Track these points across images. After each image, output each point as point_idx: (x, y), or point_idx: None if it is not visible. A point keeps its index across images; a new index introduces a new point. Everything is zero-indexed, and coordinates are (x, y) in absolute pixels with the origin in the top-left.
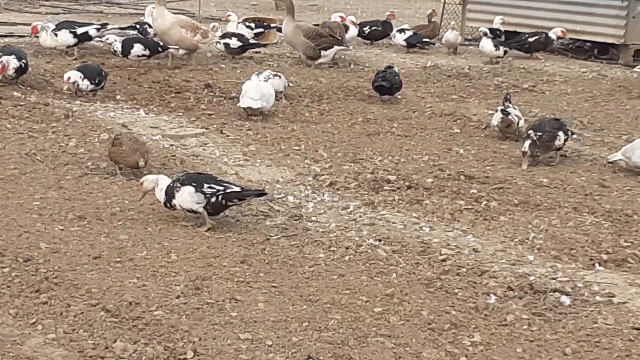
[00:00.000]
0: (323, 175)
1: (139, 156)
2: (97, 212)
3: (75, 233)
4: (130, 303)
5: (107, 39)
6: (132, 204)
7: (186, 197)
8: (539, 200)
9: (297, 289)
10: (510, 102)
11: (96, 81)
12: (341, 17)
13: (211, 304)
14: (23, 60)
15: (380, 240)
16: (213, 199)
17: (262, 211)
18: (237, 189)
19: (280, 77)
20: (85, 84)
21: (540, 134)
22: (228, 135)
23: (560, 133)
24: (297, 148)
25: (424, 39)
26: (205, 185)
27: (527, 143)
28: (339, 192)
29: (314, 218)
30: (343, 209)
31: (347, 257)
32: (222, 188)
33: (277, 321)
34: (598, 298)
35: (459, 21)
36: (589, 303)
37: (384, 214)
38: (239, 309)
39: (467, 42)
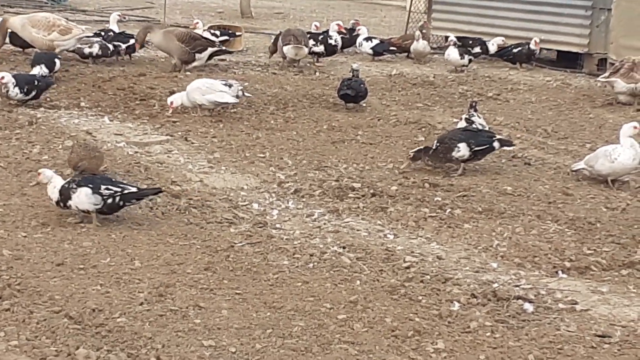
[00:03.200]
0: (288, 182)
1: (80, 168)
2: (60, 218)
3: (39, 240)
4: (94, 310)
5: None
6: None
7: (83, 198)
8: (502, 208)
9: (261, 296)
10: (476, 110)
11: (25, 90)
12: (338, 25)
13: (175, 311)
14: None
15: (344, 248)
16: (110, 200)
17: (226, 218)
18: (134, 189)
19: (231, 86)
20: (15, 92)
21: (438, 144)
22: (193, 143)
23: (462, 145)
24: (262, 155)
25: (391, 48)
26: (102, 187)
27: (416, 149)
28: (304, 199)
29: (278, 225)
30: (307, 216)
31: (311, 265)
32: (119, 189)
33: (241, 328)
34: (561, 305)
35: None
36: (551, 310)
37: (348, 222)
38: (202, 316)
39: (432, 51)
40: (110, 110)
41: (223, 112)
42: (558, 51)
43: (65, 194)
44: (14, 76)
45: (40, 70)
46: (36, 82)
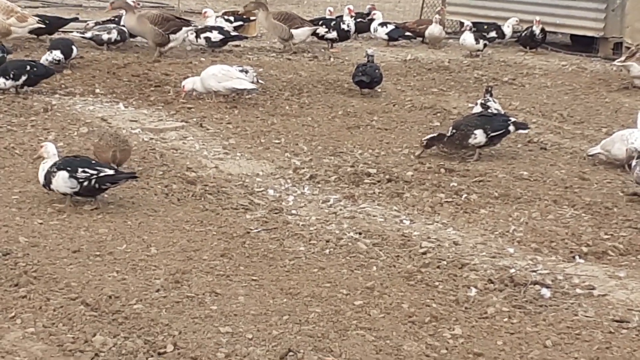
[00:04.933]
0: (303, 168)
1: (111, 157)
2: (76, 205)
3: (55, 227)
4: (110, 297)
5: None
6: (111, 197)
7: (60, 182)
8: (519, 193)
9: (278, 282)
10: (491, 95)
11: (12, 76)
12: (349, 9)
13: (191, 298)
14: None
15: (360, 234)
16: (86, 183)
17: (242, 204)
18: (111, 172)
19: (247, 72)
20: (1, 82)
21: (454, 130)
22: (208, 129)
23: (478, 132)
24: (277, 141)
25: (406, 33)
26: (79, 170)
27: (430, 136)
28: (319, 185)
29: (294, 211)
30: (323, 202)
31: (327, 251)
32: (95, 172)
33: (257, 314)
34: (578, 290)
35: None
36: (569, 295)
37: (364, 207)
38: (219, 302)
39: (447, 36)
40: (125, 97)
41: (238, 98)
42: (572, 35)
43: (47, 178)
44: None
45: (49, 56)
46: (28, 68)
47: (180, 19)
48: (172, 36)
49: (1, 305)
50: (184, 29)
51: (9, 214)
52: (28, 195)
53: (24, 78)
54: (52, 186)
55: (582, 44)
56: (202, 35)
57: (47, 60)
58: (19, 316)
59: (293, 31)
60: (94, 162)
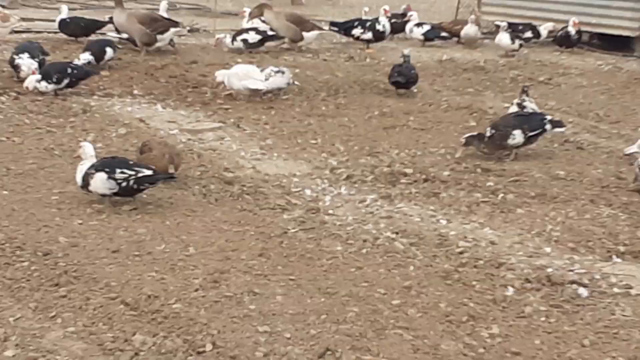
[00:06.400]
0: (340, 168)
1: (168, 160)
2: (115, 206)
3: (94, 227)
4: (149, 296)
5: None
6: (149, 197)
7: (98, 183)
8: (555, 192)
9: (315, 281)
10: (527, 95)
11: (54, 79)
12: (385, 9)
13: (229, 297)
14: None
15: (397, 233)
16: (124, 184)
17: (279, 205)
18: (149, 172)
19: (283, 73)
20: (43, 85)
21: (493, 131)
22: (245, 130)
23: (516, 132)
24: (313, 142)
25: (442, 33)
26: (118, 171)
27: (469, 134)
28: (356, 185)
29: (331, 211)
30: (360, 202)
31: (364, 250)
32: (133, 173)
33: (295, 314)
34: (615, 290)
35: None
36: (606, 295)
37: (401, 207)
38: (257, 302)
39: (482, 36)
40: (163, 98)
41: (275, 98)
42: (601, 35)
43: (85, 180)
44: (41, 69)
45: (85, 58)
46: (69, 70)
47: (168, 20)
48: (159, 36)
49: (42, 305)
50: (172, 29)
51: (49, 215)
52: (67, 196)
53: (66, 81)
54: (90, 187)
55: (613, 44)
56: (239, 38)
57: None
58: (59, 316)
59: (305, 34)
60: (131, 162)
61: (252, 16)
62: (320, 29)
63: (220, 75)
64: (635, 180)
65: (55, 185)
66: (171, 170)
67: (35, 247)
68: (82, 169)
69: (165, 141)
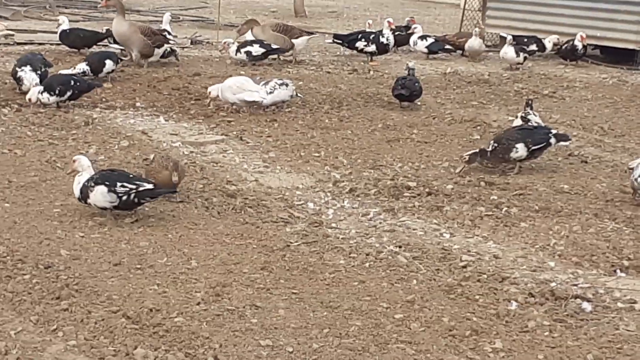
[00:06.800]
0: (343, 181)
1: (170, 172)
2: (117, 219)
3: (96, 240)
4: (151, 310)
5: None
6: (152, 211)
7: (99, 197)
8: (559, 206)
9: (318, 295)
10: (531, 108)
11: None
12: (389, 22)
13: (232, 311)
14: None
15: (400, 247)
16: (125, 197)
17: (282, 218)
18: (150, 186)
19: (287, 85)
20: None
21: (496, 144)
22: (248, 142)
23: (519, 145)
24: (316, 155)
25: (446, 46)
26: (118, 184)
27: (471, 152)
28: (359, 198)
29: (334, 224)
30: (363, 215)
31: (367, 264)
32: (134, 186)
33: (298, 328)
34: (620, 304)
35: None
36: (610, 309)
37: (404, 221)
38: (259, 315)
39: (486, 49)
40: (166, 110)
41: (278, 111)
42: (602, 47)
43: (84, 192)
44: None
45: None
46: (72, 83)
47: (163, 36)
48: (156, 50)
49: (43, 318)
50: (166, 45)
51: (51, 227)
52: (69, 209)
53: (69, 93)
54: (89, 200)
55: (614, 56)
56: (243, 50)
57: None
58: (60, 329)
59: (294, 41)
60: (132, 175)
61: (240, 33)
62: (309, 33)
63: (214, 89)
64: (634, 194)
65: (57, 198)
66: (175, 179)
67: (36, 260)
68: (79, 180)
69: (169, 156)
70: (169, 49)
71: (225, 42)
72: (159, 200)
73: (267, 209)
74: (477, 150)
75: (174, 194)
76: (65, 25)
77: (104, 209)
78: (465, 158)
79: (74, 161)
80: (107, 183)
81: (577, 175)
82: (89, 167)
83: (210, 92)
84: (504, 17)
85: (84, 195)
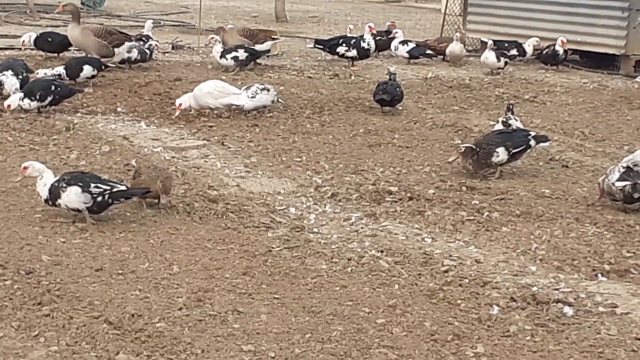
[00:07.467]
0: (325, 186)
1: (159, 184)
2: (98, 224)
3: (77, 245)
4: (133, 315)
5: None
6: (133, 216)
7: (73, 197)
8: (541, 211)
9: (300, 300)
10: (512, 113)
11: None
12: (370, 27)
13: (214, 316)
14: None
15: (382, 252)
16: (99, 198)
17: (263, 223)
18: (123, 187)
19: (268, 90)
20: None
21: (477, 149)
22: (229, 147)
23: (500, 149)
24: (298, 160)
25: (427, 51)
26: (92, 185)
27: (467, 145)
28: (341, 203)
29: (315, 229)
30: (345, 220)
31: (349, 269)
32: (108, 187)
33: (280, 333)
34: (601, 309)
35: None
36: (592, 314)
37: (386, 225)
38: (241, 320)
39: (467, 54)
40: (147, 115)
41: (259, 116)
42: (581, 52)
43: (54, 193)
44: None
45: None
46: (53, 88)
47: (122, 34)
48: (115, 50)
49: (24, 324)
50: (127, 44)
51: (32, 233)
52: (50, 214)
53: (49, 99)
54: (59, 201)
55: (595, 61)
56: (229, 56)
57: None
58: (42, 335)
59: (258, 46)
60: (103, 177)
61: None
62: (273, 38)
63: (185, 101)
64: (602, 196)
65: (38, 204)
66: (163, 198)
67: (18, 266)
68: (45, 182)
69: (155, 165)
70: (137, 57)
71: (212, 38)
72: (140, 206)
73: (248, 214)
74: (472, 145)
75: (147, 193)
76: (31, 37)
77: (76, 210)
78: (461, 149)
79: (25, 168)
80: (80, 184)
81: (558, 180)
82: (45, 169)
83: (180, 105)
84: (485, 22)
85: (53, 197)
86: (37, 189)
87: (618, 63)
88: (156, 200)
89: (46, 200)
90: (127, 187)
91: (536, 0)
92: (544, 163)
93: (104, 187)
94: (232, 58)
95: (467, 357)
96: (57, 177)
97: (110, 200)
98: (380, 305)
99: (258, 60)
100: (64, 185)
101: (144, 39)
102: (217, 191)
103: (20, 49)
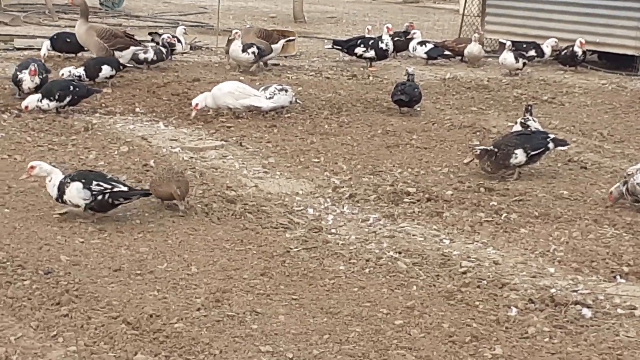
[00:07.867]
0: (342, 187)
1: (174, 186)
2: (117, 224)
3: (96, 245)
4: (151, 315)
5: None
6: (152, 216)
7: (74, 192)
8: (559, 212)
9: (318, 301)
10: (531, 114)
11: (57, 97)
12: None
13: (232, 317)
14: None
15: (400, 253)
16: (100, 197)
17: (281, 223)
18: (125, 188)
19: (286, 91)
20: (45, 103)
21: (496, 150)
22: (247, 148)
23: (518, 151)
24: (316, 160)
25: (445, 52)
26: (94, 183)
27: (483, 147)
28: (359, 204)
29: (333, 230)
30: (363, 221)
31: (367, 270)
32: (109, 187)
33: (298, 334)
34: (620, 310)
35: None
36: (610, 315)
37: (404, 226)
38: (259, 321)
39: (485, 54)
40: (165, 116)
41: (277, 117)
42: (600, 53)
43: (61, 190)
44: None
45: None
46: (71, 88)
47: (129, 38)
48: (117, 53)
49: (43, 324)
50: (132, 48)
51: (51, 233)
52: (69, 215)
53: (68, 99)
54: (65, 197)
55: (613, 62)
56: (250, 50)
57: (67, 74)
58: (60, 335)
59: (273, 46)
60: (109, 177)
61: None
62: (285, 37)
63: (201, 100)
64: (621, 198)
65: (57, 204)
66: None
67: (36, 266)
68: (54, 182)
69: (172, 167)
70: (153, 57)
71: (236, 32)
72: (158, 206)
73: (266, 214)
74: (489, 148)
75: (148, 196)
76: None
77: (78, 206)
78: (476, 151)
79: (32, 167)
80: (83, 180)
81: (576, 181)
82: (52, 170)
83: (196, 105)
84: (503, 22)
85: (61, 193)
86: (47, 189)
87: (637, 64)
88: (174, 202)
89: (57, 199)
90: (129, 188)
91: (555, 1)
92: (563, 164)
93: (105, 185)
94: (252, 52)
95: (485, 359)
96: (65, 175)
97: (111, 200)
98: (398, 306)
99: (272, 61)
100: (69, 181)
101: (158, 40)
102: (235, 192)
103: (39, 48)
